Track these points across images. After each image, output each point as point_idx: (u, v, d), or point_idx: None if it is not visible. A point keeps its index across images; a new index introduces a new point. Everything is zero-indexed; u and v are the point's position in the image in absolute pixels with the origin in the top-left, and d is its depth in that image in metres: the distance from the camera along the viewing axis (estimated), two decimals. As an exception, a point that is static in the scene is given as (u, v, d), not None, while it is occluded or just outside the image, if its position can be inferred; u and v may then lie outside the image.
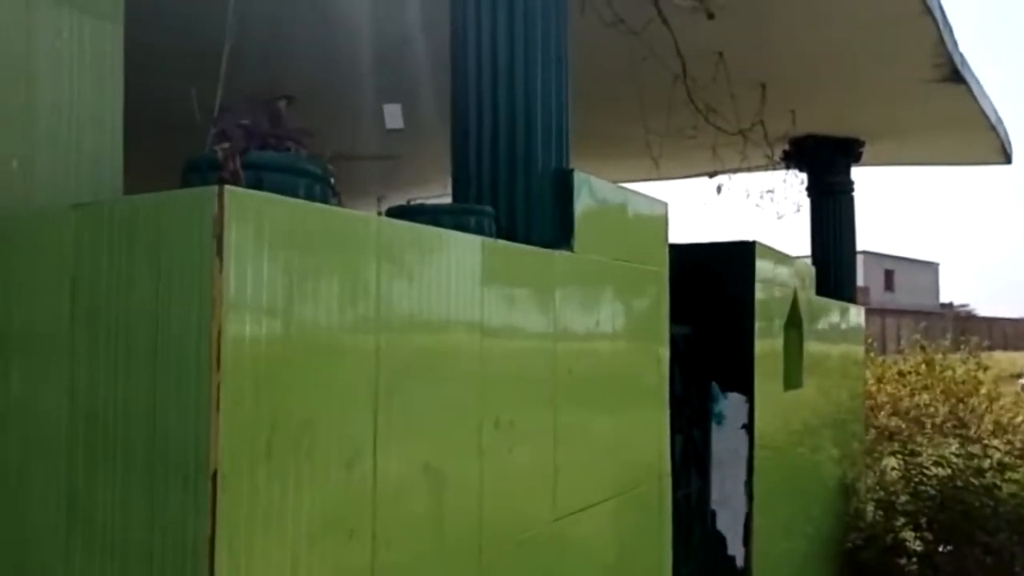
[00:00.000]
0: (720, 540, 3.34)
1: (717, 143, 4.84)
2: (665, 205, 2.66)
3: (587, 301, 2.18)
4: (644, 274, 2.53)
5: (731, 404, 3.40)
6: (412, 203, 2.30)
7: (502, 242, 1.81)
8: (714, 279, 3.47)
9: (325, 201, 1.45)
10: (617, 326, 2.35)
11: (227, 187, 1.15)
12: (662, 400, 2.65)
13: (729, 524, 3.35)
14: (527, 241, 2.03)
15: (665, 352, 2.66)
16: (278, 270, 1.21)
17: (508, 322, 1.82)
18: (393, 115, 3.02)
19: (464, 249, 1.66)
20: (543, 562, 1.94)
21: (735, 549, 3.33)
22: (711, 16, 3.59)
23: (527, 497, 1.89)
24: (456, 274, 1.62)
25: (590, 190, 2.20)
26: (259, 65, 4.15)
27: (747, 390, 3.38)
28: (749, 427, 3.39)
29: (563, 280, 2.04)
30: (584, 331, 2.16)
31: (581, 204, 2.14)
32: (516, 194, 2.10)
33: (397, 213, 1.82)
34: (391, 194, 7.44)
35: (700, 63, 3.96)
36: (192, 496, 1.13)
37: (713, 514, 3.37)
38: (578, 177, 2.14)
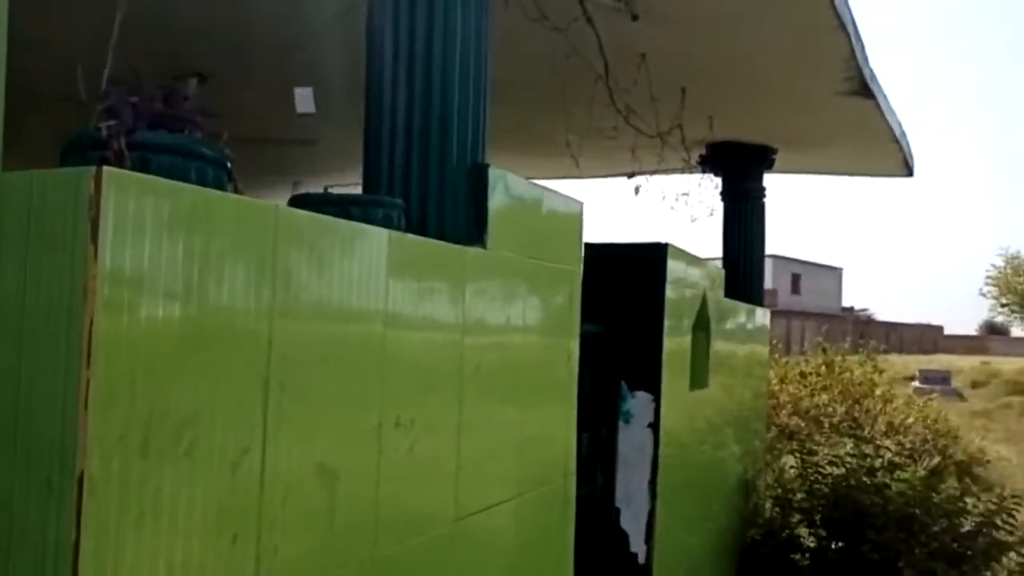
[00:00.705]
0: (623, 537, 3.39)
1: (637, 144, 4.90)
2: (580, 204, 2.66)
3: (498, 298, 2.15)
4: (557, 272, 2.52)
5: (638, 403, 3.44)
6: (329, 191, 2.23)
7: (410, 236, 1.77)
8: (627, 279, 3.51)
9: (220, 186, 1.37)
10: (528, 324, 2.34)
11: (106, 168, 1.07)
12: (570, 398, 2.66)
13: (632, 521, 3.40)
14: (439, 236, 1.99)
15: (575, 350, 2.66)
16: (161, 258, 1.14)
17: (414, 317, 1.77)
18: (304, 99, 2.91)
19: (369, 241, 1.61)
20: (443, 563, 1.91)
21: (637, 546, 3.38)
22: (635, 18, 3.61)
23: (427, 497, 1.85)
24: (359, 267, 1.57)
25: (505, 187, 2.17)
26: (173, 42, 3.97)
27: (654, 389, 3.43)
28: (655, 426, 3.44)
29: (474, 276, 2.01)
30: (494, 328, 2.14)
31: (496, 200, 2.11)
32: (429, 188, 2.06)
33: (302, 202, 1.75)
34: (309, 180, 7.24)
35: (623, 64, 3.98)
36: (56, 500, 1.05)
37: (617, 511, 3.41)
38: (493, 173, 2.11)
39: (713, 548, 4.55)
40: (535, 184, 2.39)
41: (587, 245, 3.33)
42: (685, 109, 4.65)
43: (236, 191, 1.41)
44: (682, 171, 5.87)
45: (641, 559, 3.36)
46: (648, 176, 5.86)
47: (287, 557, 1.38)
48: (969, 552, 4.63)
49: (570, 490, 2.67)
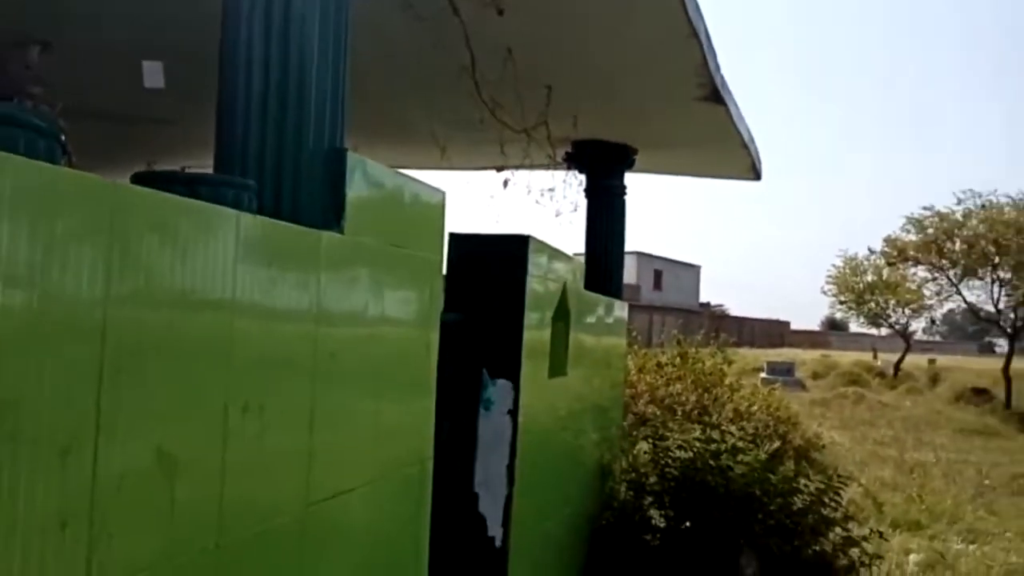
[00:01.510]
0: (481, 522, 3.46)
1: (504, 139, 4.99)
2: (442, 193, 2.69)
3: (355, 284, 2.15)
4: (417, 261, 2.54)
5: (499, 390, 3.52)
6: (185, 172, 2.15)
7: (260, 218, 1.74)
8: (489, 269, 3.58)
9: (52, 159, 1.31)
10: (386, 311, 2.35)
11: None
12: (429, 385, 2.69)
13: (490, 506, 3.48)
14: (294, 221, 1.97)
15: (435, 338, 2.70)
16: (-20, 233, 1.08)
17: (264, 301, 1.75)
18: (153, 72, 2.78)
19: (216, 222, 1.58)
20: (293, 549, 1.90)
21: (495, 530, 3.46)
22: (500, 12, 3.68)
23: (277, 483, 1.83)
24: (206, 249, 1.53)
25: (364, 173, 2.17)
26: (15, 5, 3.67)
27: (514, 377, 3.51)
28: (514, 413, 3.53)
29: (330, 262, 2.00)
30: (350, 314, 2.14)
31: (354, 186, 2.11)
32: (284, 171, 2.03)
33: (146, 180, 1.68)
34: (167, 161, 6.89)
35: (490, 58, 4.05)
36: None
37: (475, 497, 3.48)
38: (352, 158, 2.10)
39: (569, 531, 4.71)
40: (396, 172, 2.41)
41: (451, 235, 3.38)
42: (551, 106, 4.79)
43: (70, 165, 1.34)
44: (548, 167, 6.02)
45: (498, 543, 3.45)
46: (515, 171, 5.99)
47: (123, 545, 1.34)
48: (800, 528, 5.02)
49: (427, 477, 2.70)
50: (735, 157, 6.76)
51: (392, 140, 5.91)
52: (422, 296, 2.60)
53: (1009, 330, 22.25)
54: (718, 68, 4.76)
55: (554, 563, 4.39)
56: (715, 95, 4.98)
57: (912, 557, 6.31)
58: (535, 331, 3.77)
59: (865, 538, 5.22)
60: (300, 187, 2.03)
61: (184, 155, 6.64)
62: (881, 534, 5.67)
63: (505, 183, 6.10)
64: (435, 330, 2.69)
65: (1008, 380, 20.17)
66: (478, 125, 4.54)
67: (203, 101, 2.93)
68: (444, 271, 3.18)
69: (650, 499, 5.35)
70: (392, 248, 2.36)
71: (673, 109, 5.42)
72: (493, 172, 6.49)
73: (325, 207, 2.05)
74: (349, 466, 2.16)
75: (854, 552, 5.10)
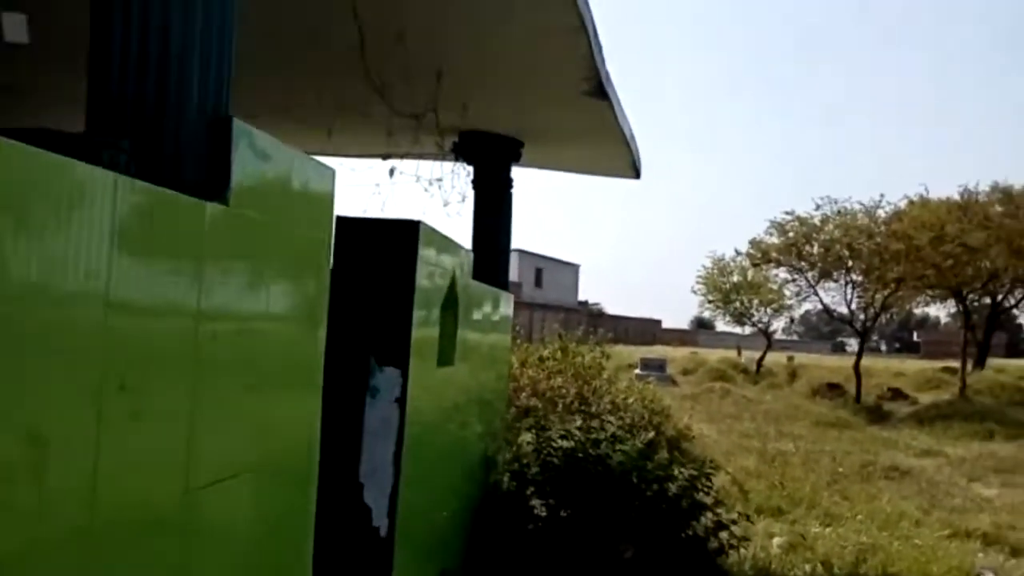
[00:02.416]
0: (366, 511, 3.38)
1: (392, 126, 4.90)
2: (332, 171, 2.61)
3: (240, 260, 2.05)
4: (307, 238, 2.45)
5: (386, 378, 3.45)
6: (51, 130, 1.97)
7: (140, 182, 1.62)
8: (378, 255, 3.51)
9: None
10: (273, 290, 2.25)
11: None
12: (316, 371, 2.60)
13: (376, 496, 3.41)
14: (175, 190, 1.84)
15: (323, 321, 2.61)
16: None
17: (142, 273, 1.63)
18: (15, 26, 2.54)
19: (91, 185, 1.45)
20: (171, 535, 1.78)
21: (380, 520, 3.40)
22: (393, -6, 3.62)
23: (154, 467, 1.71)
24: (78, 215, 1.41)
25: (251, 143, 2.07)
26: None
27: (403, 365, 3.46)
28: (402, 401, 3.47)
29: (214, 234, 1.89)
30: (235, 290, 2.03)
31: (240, 156, 2.00)
32: (165, 137, 1.90)
33: (8, 135, 1.52)
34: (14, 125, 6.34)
35: (380, 40, 3.96)
36: None
37: (360, 487, 3.40)
38: (238, 127, 1.99)
39: (454, 521, 4.69)
40: (284, 145, 2.30)
41: (339, 219, 3.28)
42: (440, 94, 4.74)
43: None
44: (436, 157, 5.98)
45: (383, 532, 3.38)
46: (402, 159, 5.91)
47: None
48: (675, 512, 5.21)
49: (313, 465, 2.61)
50: (616, 154, 6.94)
51: (276, 119, 5.68)
52: (310, 277, 2.51)
53: (860, 329, 24.00)
54: (603, 62, 4.84)
55: (439, 552, 4.36)
56: (600, 90, 5.07)
57: (775, 540, 6.69)
58: (424, 319, 3.73)
59: (734, 522, 5.49)
60: (182, 154, 1.91)
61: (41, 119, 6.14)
62: (748, 518, 5.98)
63: (392, 171, 6.01)
64: (323, 313, 2.60)
65: (858, 376, 21.76)
66: (366, 108, 4.44)
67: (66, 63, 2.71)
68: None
69: (532, 488, 5.41)
70: (280, 224, 2.26)
71: (559, 103, 5.49)
72: (379, 160, 6.38)
73: (209, 177, 1.93)
74: (231, 452, 2.05)
75: (724, 535, 5.34)
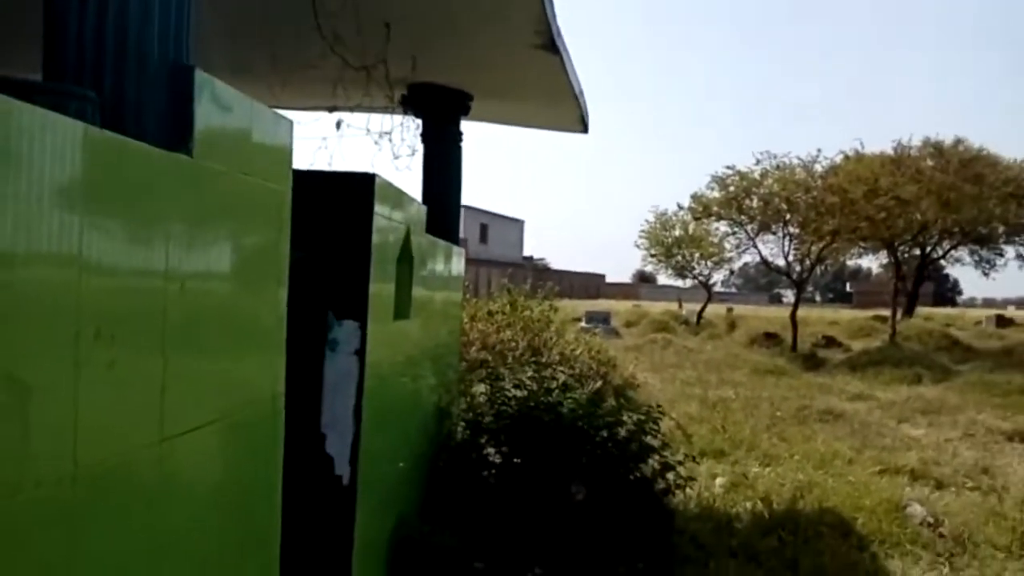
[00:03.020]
0: (329, 461, 3.45)
1: (341, 78, 4.83)
2: (290, 122, 2.60)
3: (206, 211, 2.05)
4: (267, 191, 2.45)
5: (345, 331, 3.49)
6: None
7: (111, 133, 1.61)
8: (334, 208, 3.51)
9: None
10: (238, 241, 2.26)
11: None
12: (279, 324, 2.62)
13: (337, 446, 3.47)
14: (139, 140, 1.83)
15: (285, 272, 2.63)
16: None
17: (116, 223, 1.63)
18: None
19: (61, 135, 1.45)
20: (149, 481, 1.82)
21: (342, 469, 3.47)
22: (342, -59, 3.55)
23: (131, 415, 1.74)
24: (50, 162, 1.41)
25: (213, 93, 2.06)
26: None
27: (361, 317, 3.49)
28: (361, 353, 3.52)
29: (180, 185, 1.89)
30: (202, 244, 2.04)
31: (202, 107, 1.99)
32: (126, 86, 1.88)
33: (-32, 84, 1.50)
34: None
35: (329, -11, 3.90)
36: None
37: (323, 437, 3.45)
38: (200, 76, 1.98)
39: (412, 470, 4.79)
40: (243, 96, 2.29)
41: (294, 172, 3.27)
42: (390, 45, 4.69)
43: None
44: (385, 110, 5.92)
45: (345, 481, 3.46)
46: (350, 112, 5.83)
47: (-32, 477, 1.24)
48: (624, 455, 5.41)
49: (279, 413, 2.65)
50: (565, 109, 6.96)
51: (220, 71, 5.55)
52: (273, 228, 2.52)
53: (796, 280, 24.75)
54: (555, 16, 4.85)
55: (398, 500, 4.46)
56: (551, 44, 5.08)
57: (718, 480, 7.01)
58: (381, 272, 3.76)
59: (680, 463, 5.72)
60: (144, 105, 1.89)
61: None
62: (693, 459, 6.24)
63: (339, 124, 5.93)
64: (285, 264, 2.62)
65: (795, 325, 22.53)
66: (315, 61, 4.37)
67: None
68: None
69: (486, 437, 5.53)
70: (242, 176, 2.26)
71: (509, 56, 5.48)
72: (325, 114, 6.28)
73: (172, 127, 1.92)
74: (203, 401, 2.08)
75: (670, 476, 5.57)
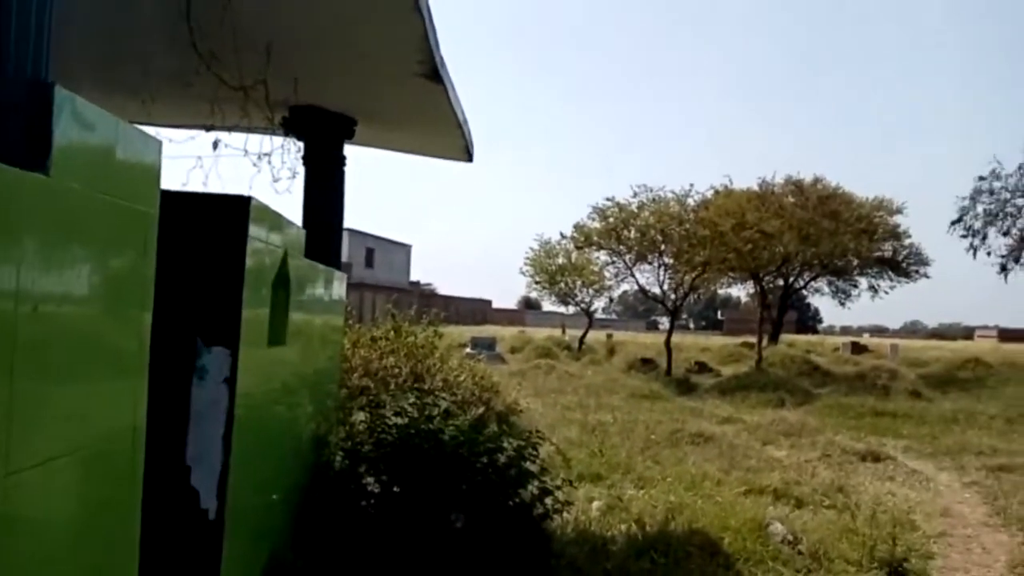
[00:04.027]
0: (194, 495, 3.30)
1: (218, 96, 4.70)
2: (159, 143, 2.52)
3: (63, 232, 1.95)
4: (132, 213, 2.36)
5: (215, 358, 3.37)
6: None
7: (-46, 149, 1.52)
8: (206, 231, 3.40)
9: None
10: (98, 263, 2.16)
11: None
12: (141, 351, 2.51)
13: (204, 478, 3.33)
14: (-13, 157, 1.73)
15: (149, 299, 2.52)
16: None
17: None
18: None
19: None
20: (-13, 524, 1.69)
21: (208, 502, 3.33)
22: (221, -39, 3.48)
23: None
24: None
25: (74, 111, 1.97)
26: None
27: (232, 344, 3.39)
28: (231, 382, 3.40)
29: (35, 204, 1.79)
30: (57, 268, 1.94)
31: (62, 125, 1.90)
32: (-25, 100, 1.77)
33: None
34: None
35: (208, 6, 3.80)
36: None
37: (188, 470, 3.31)
38: (60, 93, 1.89)
39: (286, 501, 4.65)
40: (109, 115, 2.20)
41: (164, 193, 3.16)
42: (271, 66, 4.61)
43: None
44: (265, 131, 5.79)
45: (212, 515, 3.32)
46: (228, 132, 5.67)
47: None
48: (504, 481, 5.45)
49: (138, 447, 2.53)
50: (450, 137, 7.03)
51: (89, 85, 5.28)
52: (137, 253, 2.42)
53: (671, 308, 25.76)
54: (438, 46, 4.91)
55: (270, 534, 4.32)
56: (434, 73, 5.14)
57: (595, 503, 7.16)
58: (254, 297, 3.66)
59: (558, 488, 5.81)
60: (-3, 121, 1.79)
61: None
62: (571, 484, 6.35)
63: (216, 144, 5.75)
64: (150, 287, 2.52)
65: (669, 351, 23.41)
66: (191, 79, 4.24)
67: None
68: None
69: (365, 466, 5.44)
70: (104, 198, 2.16)
71: (393, 83, 5.50)
72: (202, 132, 6.08)
73: (28, 144, 1.82)
74: (55, 432, 1.96)
75: (548, 501, 5.65)
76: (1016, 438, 12.64)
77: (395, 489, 5.28)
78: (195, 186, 5.35)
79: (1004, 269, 23.19)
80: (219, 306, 3.41)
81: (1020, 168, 22.50)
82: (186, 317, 3.35)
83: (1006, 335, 65.50)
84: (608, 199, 24.72)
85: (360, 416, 6.09)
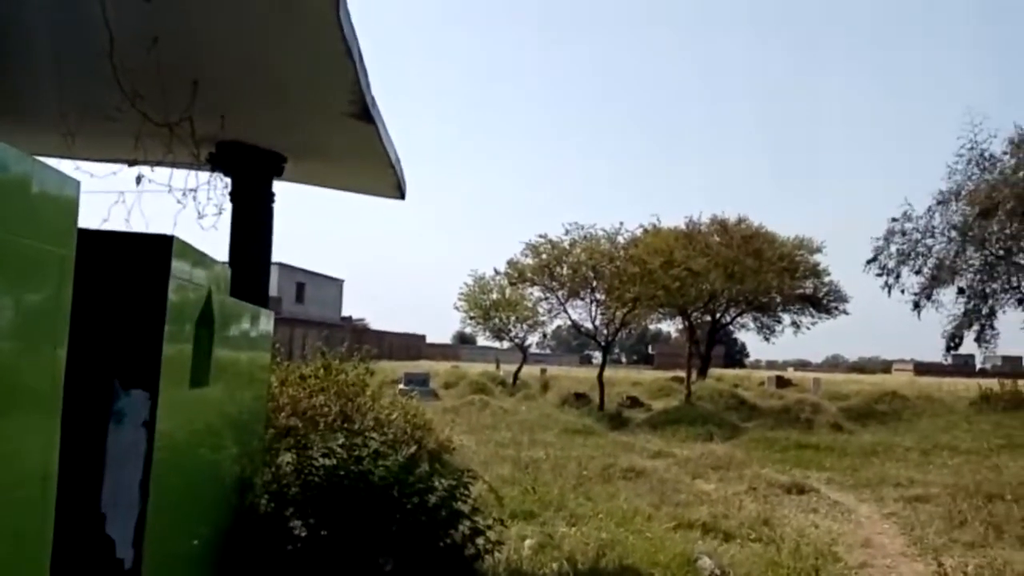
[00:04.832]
0: (109, 544, 3.17)
1: (142, 131, 4.62)
2: (77, 183, 2.46)
3: (-32, 277, 1.89)
4: (46, 254, 2.29)
5: (133, 401, 3.27)
6: None
7: None
8: (126, 271, 3.32)
9: None
10: (6, 310, 2.09)
11: None
12: (53, 395, 2.42)
13: (120, 526, 3.20)
14: None
15: (63, 342, 2.44)
16: None
17: None
18: None
19: None
20: None
21: (124, 552, 3.20)
22: (148, 0, 3.46)
23: None
24: None
25: (-15, 151, 1.92)
26: None
27: (151, 387, 3.29)
28: (150, 425, 3.30)
29: (-62, 250, 1.74)
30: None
31: (-29, 165, 1.85)
32: None
33: None
34: None
35: (133, 43, 3.75)
36: None
37: (103, 517, 3.18)
38: (-30, 134, 1.85)
39: (208, 547, 4.50)
40: (22, 153, 2.15)
41: (82, 232, 3.08)
42: (197, 102, 4.57)
43: None
44: (191, 166, 5.70)
45: (128, 564, 3.19)
46: (153, 167, 5.56)
47: None
48: (434, 522, 5.39)
49: (49, 496, 2.43)
50: (382, 175, 7.05)
51: (10, 120, 5.12)
52: (50, 293, 2.35)
53: (603, 343, 26.07)
54: (369, 87, 4.96)
55: (189, 583, 4.16)
56: (365, 113, 5.16)
57: (527, 541, 7.13)
58: (176, 339, 3.57)
59: (489, 527, 5.78)
60: (-100, 160, 1.73)
61: None
62: (502, 522, 6.32)
63: (139, 179, 5.63)
64: (64, 333, 2.44)
65: (601, 386, 23.62)
66: (114, 114, 4.16)
67: None
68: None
69: (292, 509, 5.32)
70: (16, 240, 2.10)
71: (324, 121, 5.50)
72: (125, 167, 5.95)
73: (-66, 186, 1.77)
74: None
75: (480, 541, 5.61)
76: (931, 469, 13.15)
77: (323, 532, 5.17)
78: (117, 221, 5.23)
79: (917, 306, 24.25)
80: (139, 348, 3.32)
81: (929, 211, 23.69)
82: (105, 359, 3.25)
83: (921, 368, 68.45)
84: (541, 236, 25.03)
85: (287, 457, 5.96)
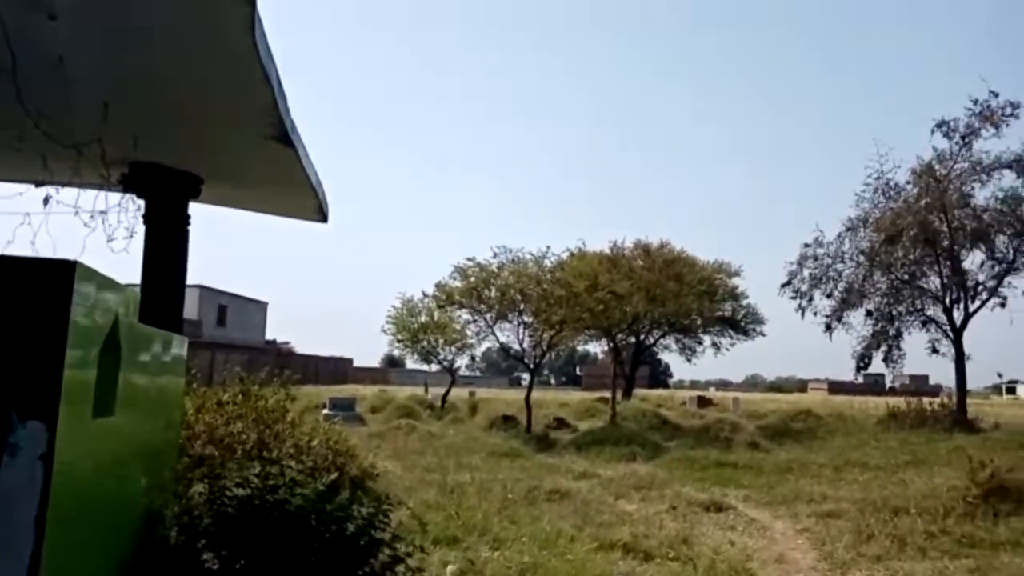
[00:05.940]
0: (0, 584, 3.02)
1: (49, 152, 4.47)
2: (-31, 209, 2.38)
3: None
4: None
5: (29, 434, 3.14)
6: None
7: None
8: (24, 298, 3.20)
9: None
10: None
11: None
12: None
13: (12, 566, 3.06)
14: None
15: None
16: None
17: None
18: None
19: None
20: None
21: (18, 592, 3.05)
22: (52, 17, 3.37)
23: None
24: None
25: None
26: None
27: (48, 418, 3.17)
28: (48, 458, 3.18)
29: None
30: None
31: None
32: None
33: None
34: None
35: (38, 63, 3.65)
36: None
37: (-6, 556, 3.03)
38: None
39: (110, 585, 4.32)
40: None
41: (-26, 257, 2.97)
42: (108, 123, 4.45)
43: None
44: (101, 187, 5.53)
45: (21, 606, 3.04)
46: (60, 188, 5.38)
47: None
48: (353, 551, 5.31)
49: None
50: (302, 198, 6.98)
51: None
52: (-64, 325, 2.25)
53: (531, 365, 26.21)
54: (288, 112, 4.93)
55: (90, 623, 3.99)
56: (284, 137, 5.12)
57: (449, 568, 7.07)
58: (78, 367, 3.46)
59: (409, 554, 5.72)
60: None
61: None
62: (423, 549, 6.26)
63: (46, 200, 5.43)
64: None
65: (529, 408, 23.70)
66: (18, 134, 4.02)
67: None
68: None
69: (204, 541, 5.16)
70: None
71: (242, 144, 5.42)
72: (31, 187, 5.74)
73: None
74: None
75: (400, 569, 5.55)
76: (842, 485, 13.63)
77: (237, 565, 5.04)
78: (23, 244, 5.03)
79: (829, 328, 25.27)
80: (37, 377, 3.20)
81: (839, 237, 24.80)
82: (1, 389, 3.11)
83: (835, 387, 71.15)
84: (469, 259, 25.08)
85: (200, 487, 5.78)
